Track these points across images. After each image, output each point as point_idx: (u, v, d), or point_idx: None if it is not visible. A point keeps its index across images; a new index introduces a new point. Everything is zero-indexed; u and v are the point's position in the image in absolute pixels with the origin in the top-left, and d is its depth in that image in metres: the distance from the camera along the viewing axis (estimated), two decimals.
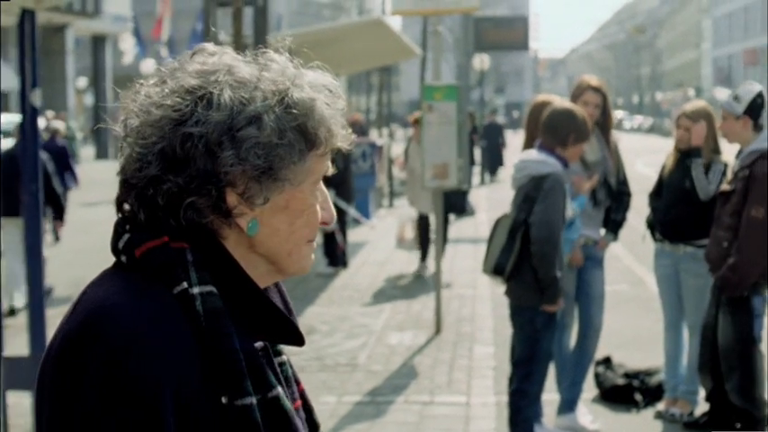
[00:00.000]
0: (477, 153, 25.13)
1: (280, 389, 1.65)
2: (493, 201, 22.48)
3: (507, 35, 42.34)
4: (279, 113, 1.63)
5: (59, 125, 17.58)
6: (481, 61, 40.43)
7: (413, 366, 8.91)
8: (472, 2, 10.45)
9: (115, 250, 1.68)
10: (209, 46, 1.73)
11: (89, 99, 50.97)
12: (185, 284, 1.59)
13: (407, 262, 14.70)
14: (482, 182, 30.60)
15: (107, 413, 1.49)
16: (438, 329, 10.17)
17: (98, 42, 47.82)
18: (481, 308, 11.47)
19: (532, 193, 6.11)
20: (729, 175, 6.63)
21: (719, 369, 6.60)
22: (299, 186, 1.68)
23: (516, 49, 50.25)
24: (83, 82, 50.24)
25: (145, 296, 1.58)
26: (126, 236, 1.66)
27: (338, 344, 9.76)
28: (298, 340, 1.75)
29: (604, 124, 7.26)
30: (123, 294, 1.59)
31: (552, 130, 6.21)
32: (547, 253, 6.04)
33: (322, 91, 1.70)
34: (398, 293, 12.44)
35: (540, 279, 6.05)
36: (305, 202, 1.70)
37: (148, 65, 44.36)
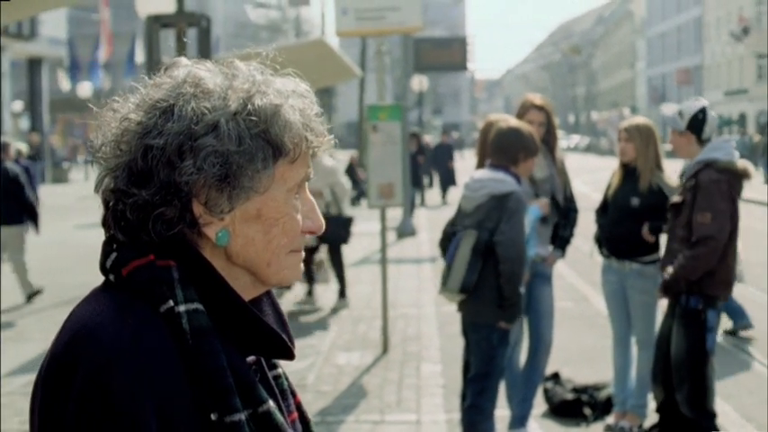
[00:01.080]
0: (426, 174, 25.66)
1: (271, 403, 1.64)
2: (434, 221, 22.52)
3: (446, 56, 42.52)
4: (238, 121, 1.61)
5: (21, 146, 18.06)
6: (420, 82, 40.63)
7: (361, 386, 8.90)
8: (415, 22, 10.50)
9: (103, 269, 1.67)
10: (183, 59, 1.72)
11: (25, 123, 50.44)
12: (171, 303, 1.58)
13: (352, 283, 14.70)
14: (422, 203, 30.66)
15: (92, 429, 1.48)
16: (385, 349, 10.18)
17: (34, 65, 47.37)
18: (426, 327, 11.48)
19: (494, 212, 6.14)
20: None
21: (671, 380, 6.67)
22: (270, 194, 1.65)
23: (455, 69, 50.57)
24: (18, 105, 49.71)
25: (129, 315, 1.57)
26: (113, 255, 1.66)
27: (286, 365, 9.65)
28: (287, 354, 1.74)
29: (550, 142, 7.33)
30: (108, 313, 1.58)
31: (502, 149, 6.25)
32: (516, 272, 6.07)
33: (291, 96, 1.68)
34: (344, 314, 12.41)
35: (507, 297, 6.07)
36: (278, 210, 1.67)
37: (85, 88, 44.08)
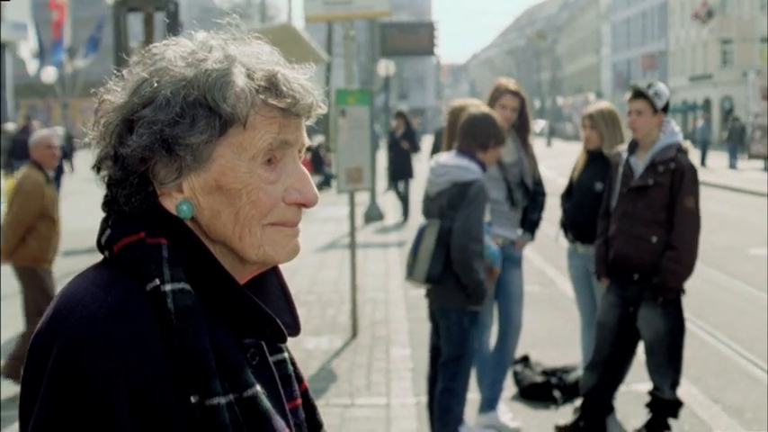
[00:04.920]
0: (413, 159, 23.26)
1: (258, 387, 1.61)
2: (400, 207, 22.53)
3: (413, 40, 42.40)
4: (176, 90, 1.58)
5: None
6: (386, 67, 40.56)
7: (331, 370, 8.92)
8: (384, 7, 10.51)
9: (99, 245, 1.67)
10: (162, 44, 1.70)
11: None
12: (157, 281, 1.57)
13: (319, 267, 14.70)
14: (389, 188, 30.65)
15: (60, 406, 1.48)
16: (354, 333, 10.19)
17: None
18: (395, 311, 11.51)
19: (456, 200, 6.14)
20: (621, 169, 6.65)
21: (614, 368, 6.69)
22: (228, 164, 1.60)
23: (422, 54, 50.51)
24: None
25: (111, 292, 1.55)
26: (108, 231, 1.66)
27: None
28: (279, 336, 1.69)
29: (521, 127, 7.35)
30: (90, 290, 1.57)
31: (473, 134, 6.26)
32: (465, 259, 6.07)
33: (238, 61, 1.63)
34: (312, 299, 12.41)
35: (465, 284, 6.09)
36: (239, 180, 1.61)
37: (49, 73, 43.72)
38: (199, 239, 1.64)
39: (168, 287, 1.57)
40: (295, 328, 1.78)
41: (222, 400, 1.55)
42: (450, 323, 6.29)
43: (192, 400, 1.53)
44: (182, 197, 1.62)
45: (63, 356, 1.50)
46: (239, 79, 1.60)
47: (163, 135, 1.58)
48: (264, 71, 1.63)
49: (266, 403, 1.61)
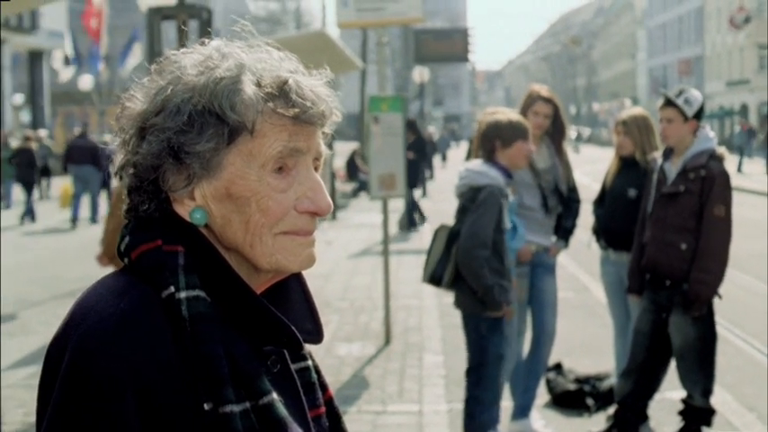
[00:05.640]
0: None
1: (274, 395, 1.60)
2: (436, 212, 22.53)
3: (447, 47, 42.42)
4: (185, 98, 1.59)
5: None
6: (421, 73, 40.57)
7: (363, 377, 8.92)
8: (416, 14, 10.50)
9: (119, 252, 1.68)
10: (180, 52, 1.71)
11: (26, 116, 50.43)
12: (172, 288, 1.57)
13: (352, 274, 14.71)
14: (424, 194, 30.67)
15: (70, 409, 1.50)
16: (387, 340, 10.19)
17: (34, 58, 47.36)
18: (428, 318, 11.49)
19: (468, 203, 6.16)
20: (656, 176, 6.61)
21: (648, 375, 6.64)
22: (237, 171, 1.60)
23: (456, 60, 50.48)
24: (19, 98, 49.71)
25: (124, 299, 1.56)
26: (126, 238, 1.67)
27: None
28: (294, 344, 1.68)
29: (555, 133, 7.32)
30: (106, 296, 1.58)
31: (481, 142, 6.33)
32: (468, 263, 6.04)
33: (249, 69, 1.63)
34: (345, 305, 12.42)
35: (474, 289, 6.10)
36: (249, 188, 1.60)
37: (86, 81, 44.04)
38: (213, 247, 1.64)
39: (183, 294, 1.57)
40: (317, 336, 1.78)
41: (235, 408, 1.54)
42: (469, 329, 6.30)
43: (206, 407, 1.53)
44: (194, 204, 1.63)
45: (74, 361, 1.51)
46: (248, 87, 1.60)
47: (170, 143, 1.59)
48: (274, 78, 1.63)
49: (282, 411, 1.61)
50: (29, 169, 25.26)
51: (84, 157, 23.39)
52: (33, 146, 26.65)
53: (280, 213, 1.63)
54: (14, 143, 29.13)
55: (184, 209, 1.64)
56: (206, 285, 1.61)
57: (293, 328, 1.66)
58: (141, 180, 1.64)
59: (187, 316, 1.56)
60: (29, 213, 24.36)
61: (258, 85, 1.61)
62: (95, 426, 1.49)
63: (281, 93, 1.62)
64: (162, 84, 1.63)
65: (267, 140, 1.61)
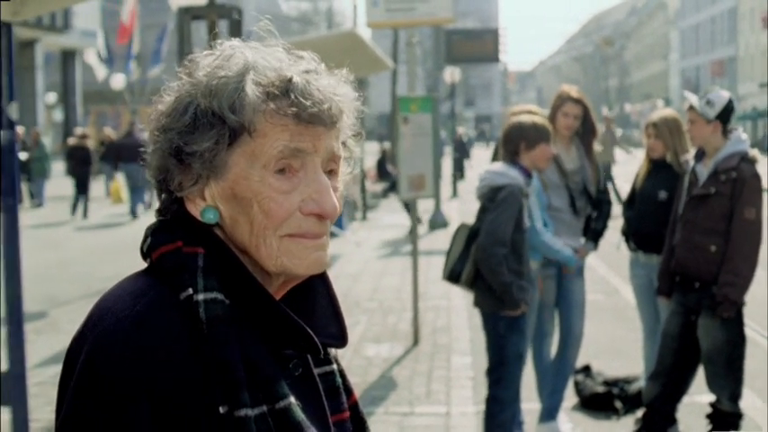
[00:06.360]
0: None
1: (291, 399, 1.59)
2: (464, 212, 22.50)
3: (478, 47, 42.36)
4: (192, 99, 1.60)
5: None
6: (452, 74, 40.51)
7: (391, 378, 8.91)
8: (447, 14, 10.49)
9: (142, 253, 1.68)
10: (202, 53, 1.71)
11: (58, 115, 50.74)
12: (191, 290, 1.57)
13: (381, 274, 14.70)
14: (454, 194, 30.64)
15: (82, 409, 1.51)
16: (415, 341, 10.17)
17: (67, 57, 47.64)
18: (456, 318, 11.47)
19: (488, 203, 6.19)
20: (688, 177, 6.57)
21: (677, 378, 6.59)
22: (241, 172, 1.59)
23: (487, 61, 50.38)
24: (52, 97, 50.00)
25: (142, 300, 1.57)
26: (149, 239, 1.67)
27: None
28: (312, 349, 1.66)
29: (585, 134, 7.29)
30: (124, 297, 1.58)
31: (504, 143, 6.35)
32: (486, 260, 6.06)
33: (253, 68, 1.61)
34: (373, 306, 12.41)
35: (493, 287, 6.11)
36: (251, 189, 1.59)
37: (118, 80, 44.21)
38: (230, 249, 1.64)
39: (201, 296, 1.57)
40: (341, 340, 1.76)
41: (250, 412, 1.53)
42: (488, 328, 6.33)
43: (221, 410, 1.53)
44: (204, 204, 1.64)
45: (88, 362, 1.52)
46: (249, 87, 1.58)
47: (173, 143, 1.60)
48: (278, 77, 1.61)
49: (299, 415, 1.59)
50: (84, 167, 25.50)
51: (132, 155, 23.70)
52: (90, 144, 26.97)
53: (282, 215, 1.61)
54: (46, 141, 29.39)
55: (196, 208, 1.64)
56: (225, 288, 1.60)
57: (310, 332, 1.64)
58: (155, 180, 1.66)
59: (204, 318, 1.55)
60: (76, 209, 24.87)
61: (260, 84, 1.60)
62: (107, 427, 1.49)
63: (283, 92, 1.60)
64: (178, 85, 1.65)
65: (268, 140, 1.59)
